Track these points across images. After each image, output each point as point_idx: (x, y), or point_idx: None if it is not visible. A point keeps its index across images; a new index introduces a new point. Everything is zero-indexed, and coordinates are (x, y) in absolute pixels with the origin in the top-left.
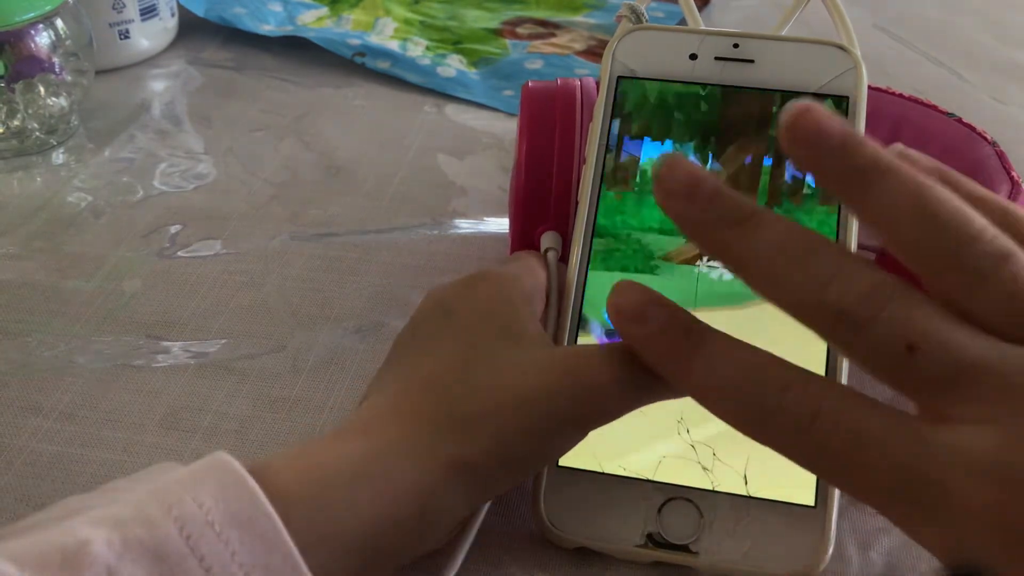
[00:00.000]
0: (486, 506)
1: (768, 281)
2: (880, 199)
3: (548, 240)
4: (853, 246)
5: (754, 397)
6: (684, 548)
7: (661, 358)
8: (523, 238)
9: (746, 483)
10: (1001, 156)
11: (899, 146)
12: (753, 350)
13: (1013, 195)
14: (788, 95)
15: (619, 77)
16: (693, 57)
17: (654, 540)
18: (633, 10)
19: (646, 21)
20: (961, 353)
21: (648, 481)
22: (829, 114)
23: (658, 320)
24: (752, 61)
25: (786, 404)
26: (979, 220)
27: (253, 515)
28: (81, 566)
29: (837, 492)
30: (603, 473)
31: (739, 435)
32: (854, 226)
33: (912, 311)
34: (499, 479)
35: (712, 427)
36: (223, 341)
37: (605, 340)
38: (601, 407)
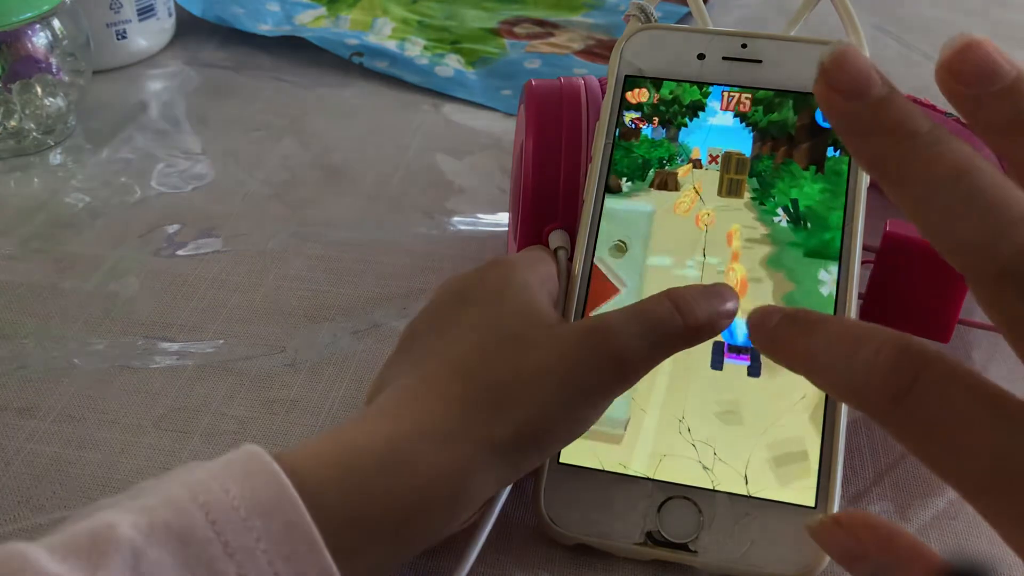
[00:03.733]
0: (506, 492)
1: (932, 211)
2: None
3: (557, 239)
4: (858, 249)
5: (846, 358)
6: (683, 547)
7: (777, 346)
8: (531, 236)
9: (746, 483)
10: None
11: None
12: (853, 321)
13: None
14: None
15: (627, 76)
16: (701, 57)
17: (653, 538)
18: (642, 9)
19: (655, 20)
20: None
21: (648, 479)
22: (999, 49)
23: (774, 319)
24: (760, 61)
25: (880, 365)
26: None
27: (279, 502)
28: (108, 548)
29: (838, 493)
30: (604, 471)
31: (739, 435)
32: (859, 228)
33: None
34: (530, 456)
35: (713, 426)
36: (220, 342)
37: None
38: (623, 372)
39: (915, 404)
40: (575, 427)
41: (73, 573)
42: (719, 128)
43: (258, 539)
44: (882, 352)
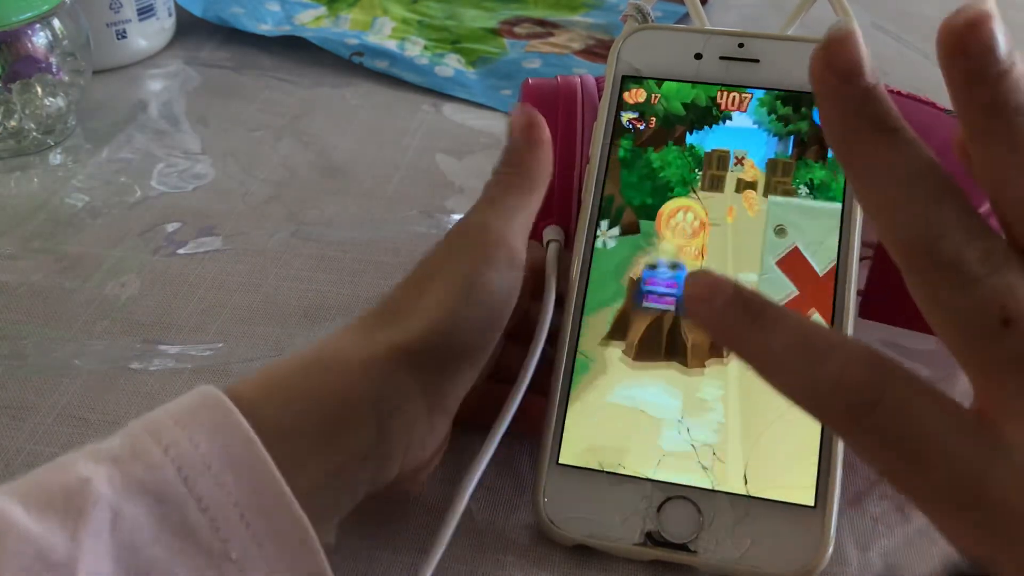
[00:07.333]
0: (486, 458)
1: (886, 202)
2: (882, 161)
3: (550, 233)
4: (856, 242)
5: (808, 368)
6: (683, 547)
7: (724, 331)
8: None
9: (746, 483)
10: None
11: None
12: (813, 323)
13: None
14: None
15: (624, 76)
16: (698, 57)
17: (653, 539)
18: (639, 9)
19: (652, 21)
20: None
21: (648, 480)
22: (1007, 33)
23: (722, 297)
24: (757, 61)
25: (845, 382)
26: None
27: (247, 456)
28: (85, 504)
29: (837, 492)
30: (603, 471)
31: (739, 435)
32: (857, 226)
33: (1020, 285)
34: (447, 364)
35: (712, 426)
36: (220, 344)
37: None
38: (495, 243)
39: (878, 421)
40: (483, 323)
41: (53, 532)
42: (738, 131)
43: (229, 494)
44: (848, 369)
